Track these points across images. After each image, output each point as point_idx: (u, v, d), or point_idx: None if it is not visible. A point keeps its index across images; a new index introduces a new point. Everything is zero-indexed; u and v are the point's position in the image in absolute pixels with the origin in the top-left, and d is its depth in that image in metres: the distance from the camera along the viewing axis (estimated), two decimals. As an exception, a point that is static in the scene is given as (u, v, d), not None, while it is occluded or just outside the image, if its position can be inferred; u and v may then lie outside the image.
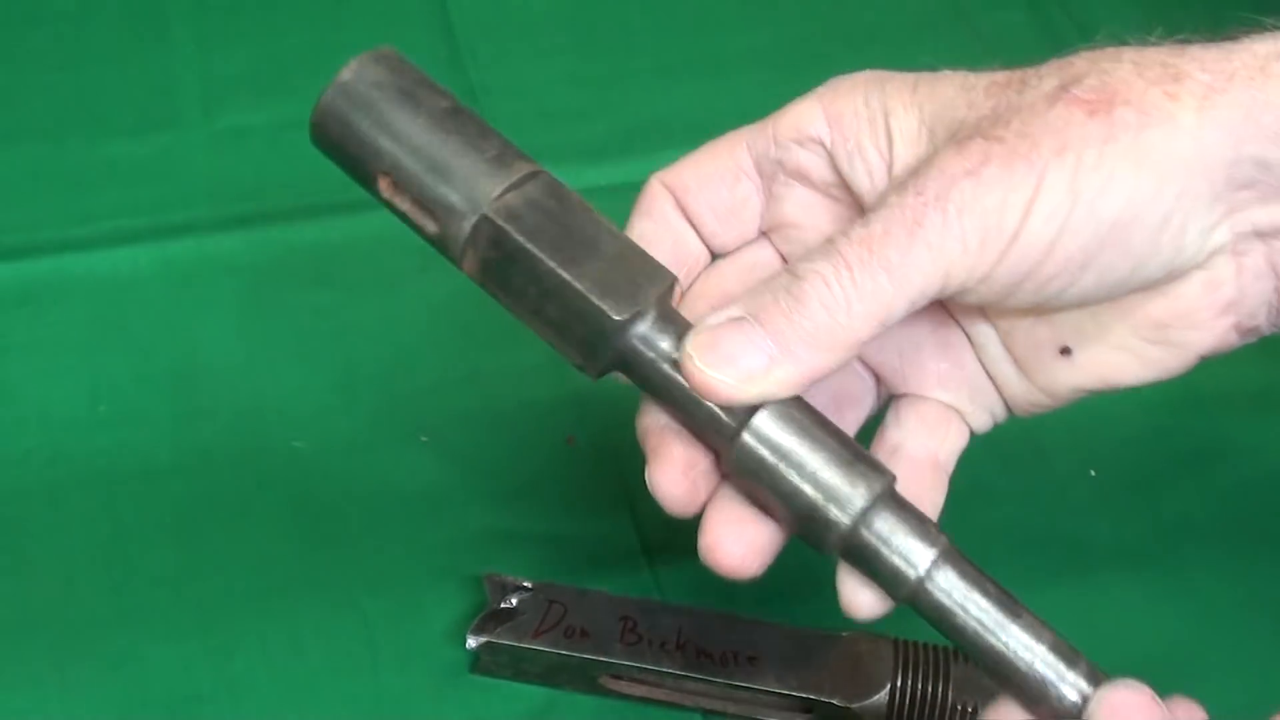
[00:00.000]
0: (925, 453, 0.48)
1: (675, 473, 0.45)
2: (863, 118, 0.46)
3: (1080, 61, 0.47)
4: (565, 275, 0.44)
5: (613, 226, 0.45)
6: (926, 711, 0.51)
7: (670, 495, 0.45)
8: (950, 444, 0.49)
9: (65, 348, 0.62)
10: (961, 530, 0.59)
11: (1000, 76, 0.46)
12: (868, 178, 0.46)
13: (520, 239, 0.44)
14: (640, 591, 0.56)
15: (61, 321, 0.63)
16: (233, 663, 0.53)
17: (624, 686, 0.53)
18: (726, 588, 0.57)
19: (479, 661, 0.53)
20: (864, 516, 0.42)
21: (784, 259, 0.50)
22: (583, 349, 0.45)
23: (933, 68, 0.59)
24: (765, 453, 0.42)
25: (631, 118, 0.74)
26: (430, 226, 0.46)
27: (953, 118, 0.44)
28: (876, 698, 0.51)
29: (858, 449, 0.43)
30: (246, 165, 0.70)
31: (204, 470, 0.59)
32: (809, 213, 0.49)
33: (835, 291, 0.42)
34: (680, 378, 0.43)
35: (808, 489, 0.42)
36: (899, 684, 0.51)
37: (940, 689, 0.51)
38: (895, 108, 0.46)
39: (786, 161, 0.48)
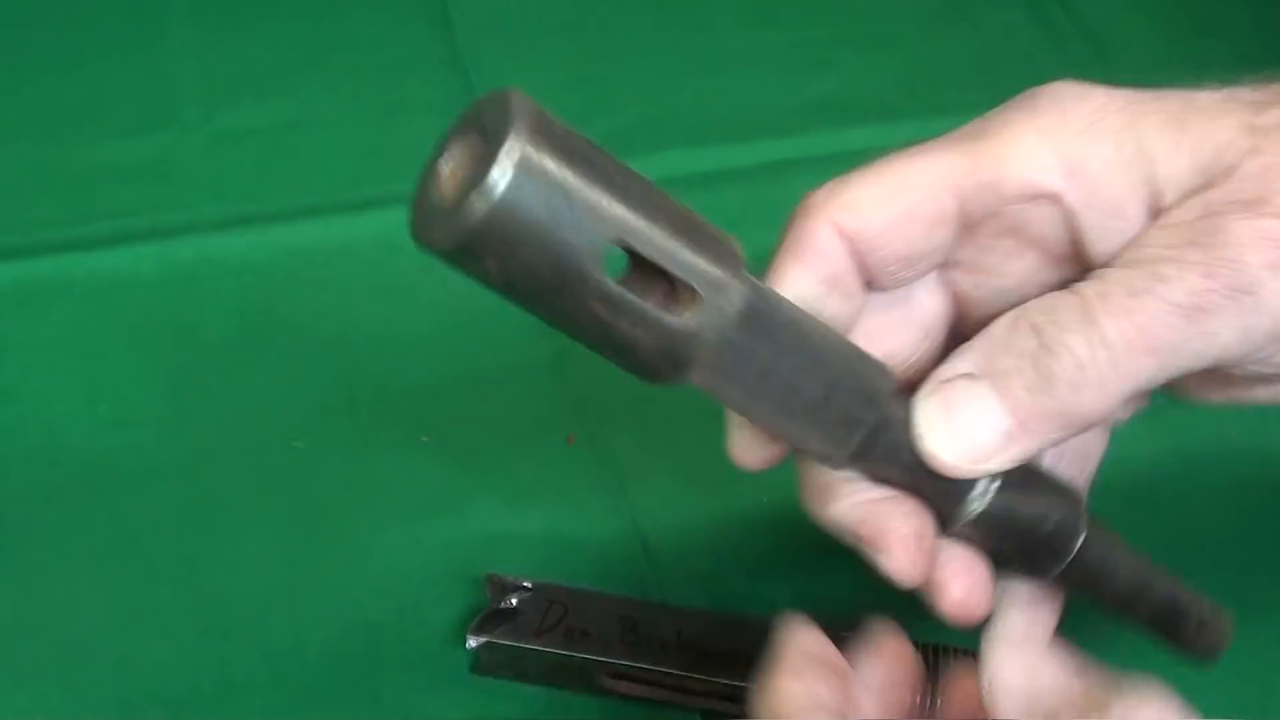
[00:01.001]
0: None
1: (913, 553, 0.41)
2: (1117, 170, 0.39)
3: None
4: (837, 338, 0.38)
5: None
6: (926, 712, 0.51)
7: (911, 576, 0.41)
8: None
9: (65, 348, 0.62)
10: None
11: None
12: (1116, 240, 0.39)
13: (789, 306, 0.37)
14: (640, 592, 0.56)
15: (61, 321, 0.63)
16: (233, 663, 0.53)
17: (624, 686, 0.53)
18: (726, 588, 0.57)
19: (479, 661, 0.53)
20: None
21: (954, 298, 0.43)
22: (842, 425, 0.39)
23: (932, 68, 0.60)
24: (997, 512, 0.41)
25: (631, 118, 0.74)
26: (673, 314, 0.37)
27: (1230, 164, 0.38)
28: None
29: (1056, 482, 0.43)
30: (246, 165, 0.70)
31: (204, 470, 0.59)
32: (1011, 265, 0.42)
33: (1090, 374, 0.37)
34: (910, 443, 0.39)
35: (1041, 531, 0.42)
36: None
37: (940, 689, 0.51)
38: (1159, 154, 0.39)
39: (1005, 217, 0.40)
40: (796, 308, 0.38)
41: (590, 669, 0.52)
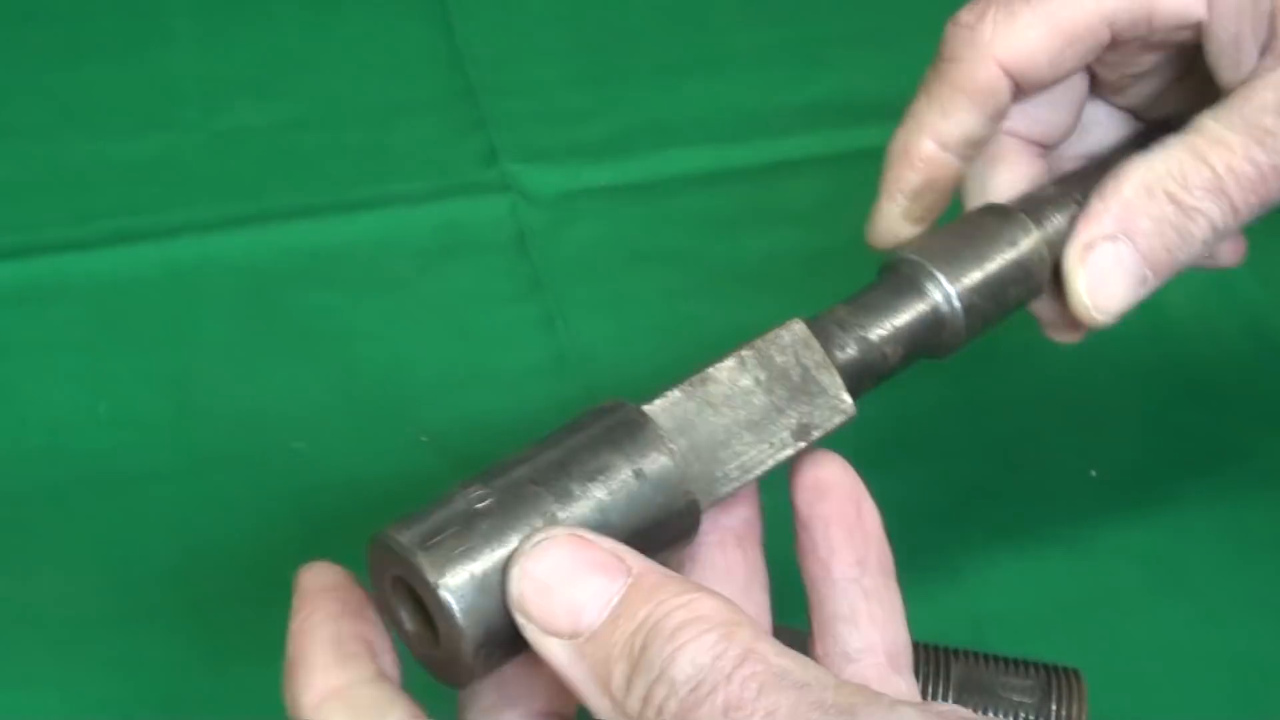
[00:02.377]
0: None
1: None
2: (1245, 8, 0.43)
3: None
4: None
5: None
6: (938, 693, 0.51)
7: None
8: None
9: (65, 348, 0.62)
10: (962, 529, 0.59)
11: None
12: (1238, 70, 0.44)
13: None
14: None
15: (61, 321, 0.63)
16: (233, 663, 0.53)
17: None
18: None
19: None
20: None
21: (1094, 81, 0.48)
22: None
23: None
24: None
25: (631, 118, 0.74)
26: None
27: None
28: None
29: None
30: (246, 165, 0.70)
31: (204, 470, 0.59)
32: (1142, 83, 0.48)
33: (1222, 231, 0.44)
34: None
35: None
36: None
37: (940, 689, 0.51)
38: None
39: (1152, 40, 0.45)
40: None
41: None
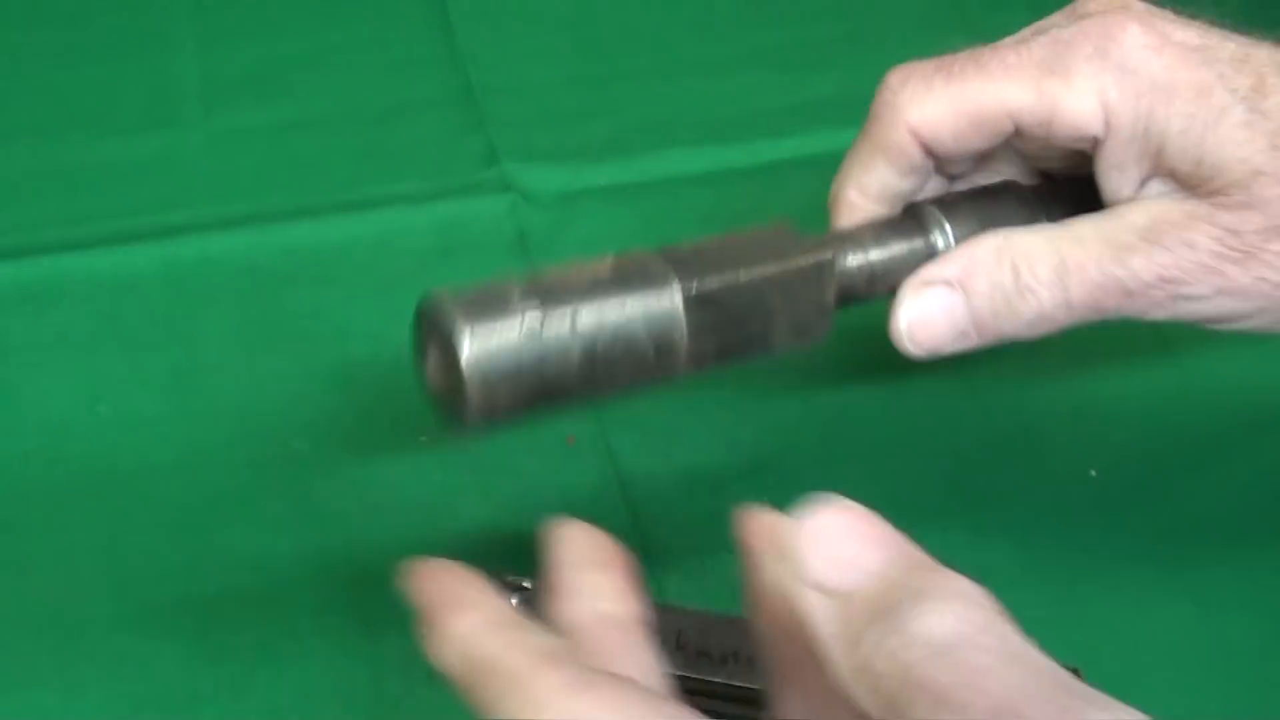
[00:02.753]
0: None
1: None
2: (1135, 142, 0.46)
3: None
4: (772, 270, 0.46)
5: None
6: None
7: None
8: None
9: (65, 348, 0.62)
10: (961, 529, 0.59)
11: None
12: (1119, 188, 0.48)
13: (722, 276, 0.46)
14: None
15: (61, 321, 0.63)
16: (233, 663, 0.53)
17: None
18: (726, 588, 0.57)
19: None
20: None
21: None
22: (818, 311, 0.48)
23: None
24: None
25: (631, 118, 0.74)
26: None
27: (1230, 183, 0.45)
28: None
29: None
30: (246, 165, 0.70)
31: (204, 470, 0.59)
32: (1055, 160, 0.51)
33: (1048, 319, 0.48)
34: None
35: None
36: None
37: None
38: (1172, 150, 0.46)
39: (1052, 142, 0.49)
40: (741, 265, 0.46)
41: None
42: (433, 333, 0.44)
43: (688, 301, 0.45)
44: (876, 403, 0.64)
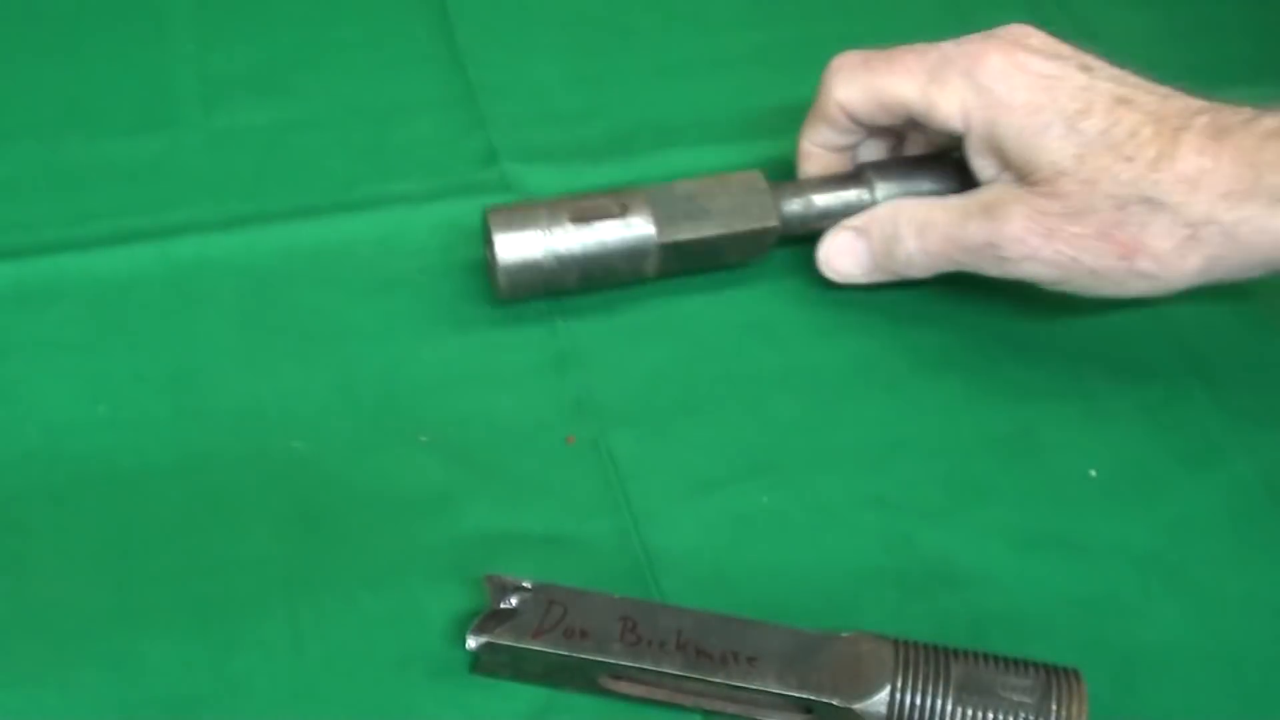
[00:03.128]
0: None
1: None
2: (984, 140, 0.61)
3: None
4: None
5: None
6: (927, 713, 0.51)
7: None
8: None
9: (65, 348, 0.62)
10: (961, 530, 0.59)
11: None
12: (979, 173, 0.63)
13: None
14: (640, 592, 0.56)
15: (61, 321, 0.63)
16: (233, 663, 0.53)
17: (624, 687, 0.53)
18: (726, 588, 0.57)
19: (479, 661, 0.53)
20: None
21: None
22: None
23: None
24: None
25: (631, 118, 0.74)
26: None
27: (1048, 175, 0.59)
28: (877, 698, 0.51)
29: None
30: (246, 165, 0.70)
31: (204, 470, 0.59)
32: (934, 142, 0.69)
33: (915, 262, 0.64)
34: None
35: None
36: (899, 684, 0.51)
37: (940, 690, 0.51)
38: (1009, 145, 0.60)
39: (934, 132, 0.64)
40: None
41: (590, 669, 0.52)
42: (486, 235, 0.63)
43: (662, 246, 0.64)
44: (876, 403, 0.64)
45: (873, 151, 0.69)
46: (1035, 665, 0.52)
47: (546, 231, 0.62)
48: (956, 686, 0.51)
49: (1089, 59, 0.61)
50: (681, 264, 0.65)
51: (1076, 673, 0.52)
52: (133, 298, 0.64)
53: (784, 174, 0.69)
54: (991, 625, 0.56)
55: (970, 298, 0.68)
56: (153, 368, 0.62)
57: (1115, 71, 0.61)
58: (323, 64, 0.75)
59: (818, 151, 0.67)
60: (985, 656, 0.52)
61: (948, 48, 0.63)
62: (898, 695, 0.51)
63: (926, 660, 0.52)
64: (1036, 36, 0.62)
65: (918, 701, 0.51)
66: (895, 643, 0.52)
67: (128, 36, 0.75)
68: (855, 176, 0.67)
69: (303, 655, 0.54)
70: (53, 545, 0.56)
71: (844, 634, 0.53)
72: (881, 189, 0.66)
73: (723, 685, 0.52)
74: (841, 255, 0.66)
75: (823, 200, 0.67)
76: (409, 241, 0.68)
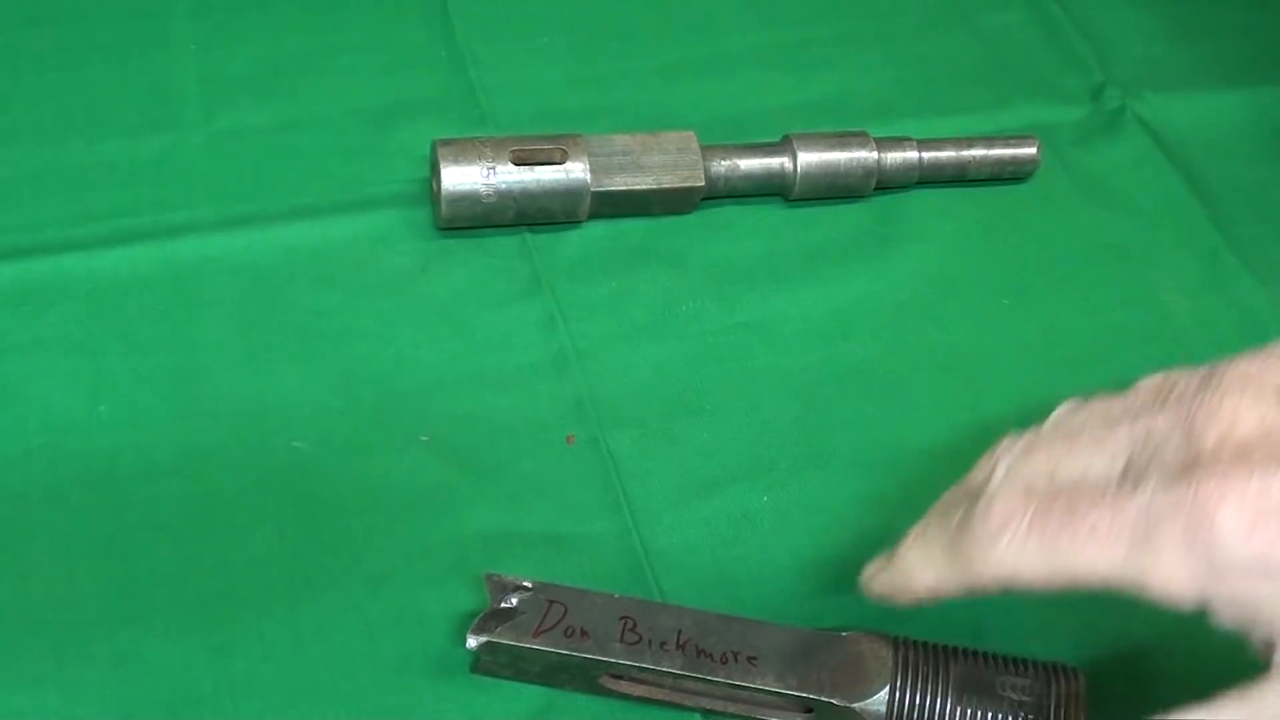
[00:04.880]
0: None
1: None
2: (1237, 615, 0.43)
3: None
4: None
5: None
6: (926, 712, 0.51)
7: None
8: None
9: (65, 348, 0.62)
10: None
11: None
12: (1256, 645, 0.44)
13: None
14: (640, 591, 0.56)
15: (61, 321, 0.63)
16: (233, 663, 0.53)
17: (624, 686, 0.53)
18: (726, 588, 0.57)
19: (479, 661, 0.53)
20: None
21: None
22: None
23: (931, 68, 0.59)
24: None
25: (631, 118, 0.74)
26: None
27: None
28: (876, 697, 0.51)
29: None
30: (246, 165, 0.70)
31: (204, 470, 0.59)
32: None
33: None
34: None
35: None
36: (899, 683, 0.51)
37: (940, 689, 0.51)
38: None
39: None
40: None
41: (590, 669, 0.52)
42: (434, 166, 0.66)
43: (594, 194, 0.67)
44: (875, 404, 0.64)
45: None
46: (1035, 664, 0.52)
47: (489, 168, 0.65)
48: (956, 685, 0.51)
49: None
50: (612, 210, 0.69)
51: (1076, 672, 0.52)
52: (133, 298, 0.64)
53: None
54: (991, 625, 0.56)
55: (971, 297, 0.69)
56: (153, 368, 0.62)
57: None
58: (323, 64, 0.75)
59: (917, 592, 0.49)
60: (985, 655, 0.52)
61: (1153, 492, 0.43)
62: (897, 694, 0.51)
63: (926, 659, 0.52)
64: (1248, 416, 0.43)
65: (917, 700, 0.51)
66: (895, 641, 0.52)
67: (129, 37, 0.75)
68: (780, 146, 0.70)
69: (303, 655, 0.54)
70: (53, 545, 0.56)
71: (844, 633, 0.53)
72: (803, 158, 0.70)
73: (723, 684, 0.52)
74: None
75: (747, 164, 0.70)
76: (409, 241, 0.68)
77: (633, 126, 0.70)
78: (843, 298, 0.68)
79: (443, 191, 0.66)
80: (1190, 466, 0.42)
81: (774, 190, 0.71)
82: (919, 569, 0.48)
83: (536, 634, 0.52)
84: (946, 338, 0.67)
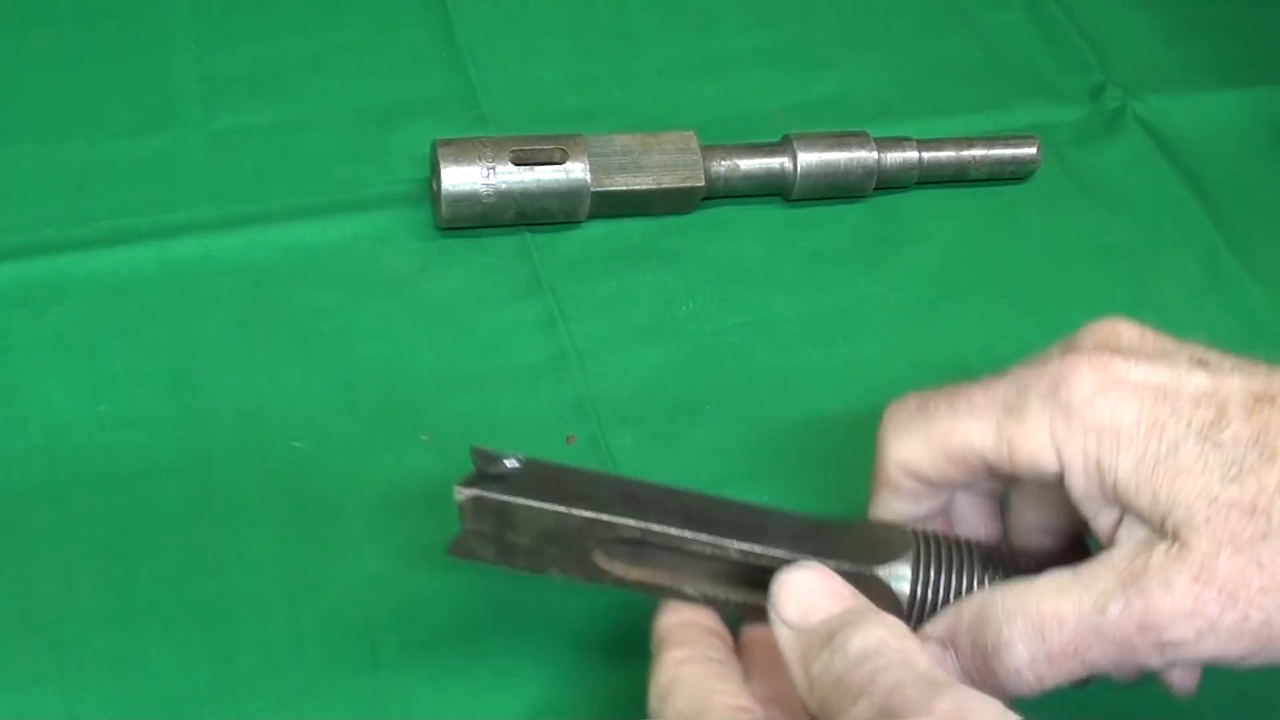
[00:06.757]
0: None
1: None
2: (1090, 479, 0.46)
3: None
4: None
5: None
6: (953, 578, 0.49)
7: None
8: None
9: (65, 348, 0.62)
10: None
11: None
12: (1098, 524, 0.47)
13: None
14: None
15: (61, 321, 0.63)
16: (233, 663, 0.53)
17: (619, 569, 0.48)
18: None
19: (459, 539, 0.47)
20: None
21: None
22: None
23: (931, 68, 0.58)
24: None
25: (631, 118, 0.74)
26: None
27: (1183, 534, 0.44)
28: (900, 561, 0.48)
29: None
30: (246, 165, 0.70)
31: (204, 470, 0.59)
32: (1030, 503, 0.52)
33: (1027, 677, 0.46)
34: None
35: None
36: (922, 554, 0.49)
37: (967, 561, 0.49)
38: (1123, 481, 0.45)
39: (1023, 479, 0.49)
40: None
41: (586, 537, 0.47)
42: (434, 166, 0.66)
43: (594, 194, 0.67)
44: (875, 404, 0.64)
45: (973, 514, 0.53)
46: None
47: (489, 168, 0.65)
48: (982, 559, 0.49)
49: (1199, 350, 0.48)
50: (612, 210, 0.68)
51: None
52: (133, 298, 0.64)
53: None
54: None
55: (971, 297, 0.69)
56: (153, 368, 0.62)
57: (1234, 360, 0.47)
58: (323, 64, 0.75)
59: (896, 518, 0.52)
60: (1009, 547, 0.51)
61: (1020, 373, 0.48)
62: (921, 563, 0.49)
63: (948, 540, 0.50)
64: (1126, 330, 0.49)
65: (943, 570, 0.49)
66: (913, 529, 0.50)
67: (129, 37, 0.75)
68: (780, 146, 0.70)
69: (303, 655, 0.54)
70: (53, 545, 0.56)
71: (857, 522, 0.51)
72: (803, 158, 0.69)
73: (734, 552, 0.47)
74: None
75: (747, 164, 0.69)
76: (409, 241, 0.68)
77: (633, 126, 0.70)
78: (843, 298, 0.68)
79: (443, 191, 0.65)
80: (1048, 358, 0.48)
81: (774, 190, 0.71)
82: (871, 503, 0.52)
83: (530, 494, 0.47)
84: (946, 338, 0.67)
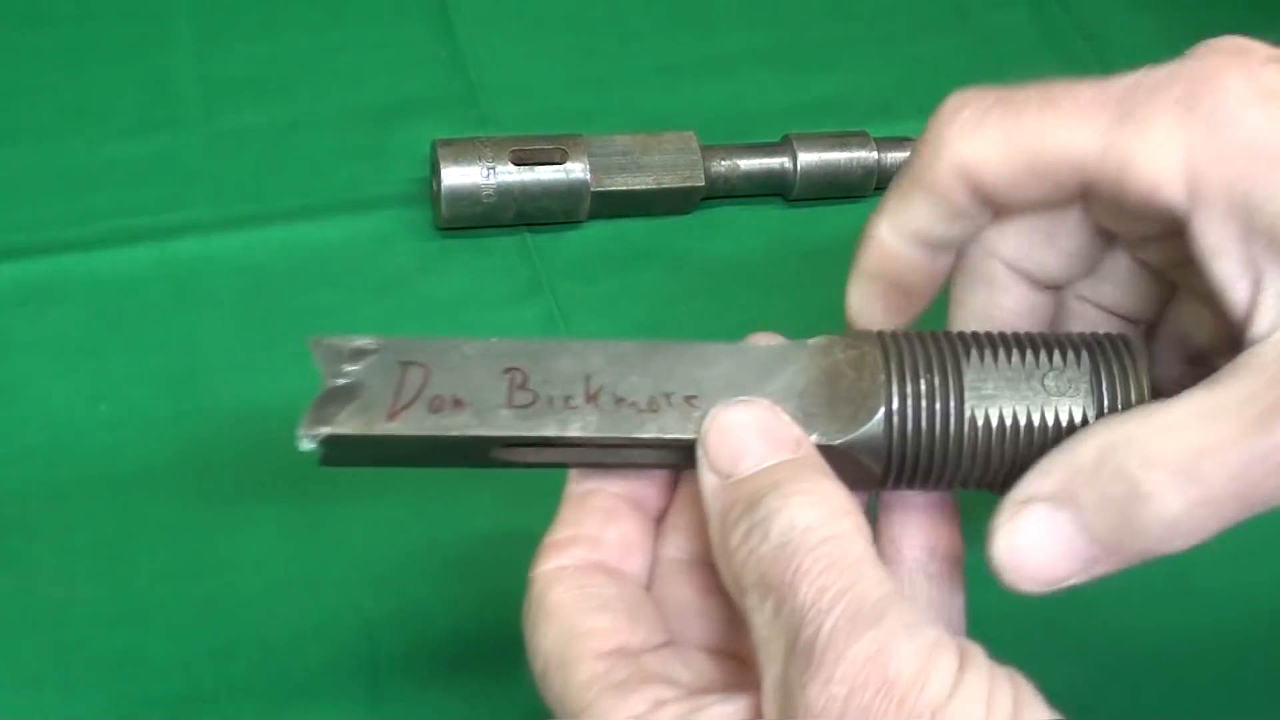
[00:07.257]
0: None
1: None
2: (1233, 218, 0.36)
3: None
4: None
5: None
6: (940, 429, 0.39)
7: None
8: None
9: (65, 348, 0.62)
10: (963, 528, 0.59)
11: None
12: (1229, 299, 0.37)
13: None
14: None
15: (61, 321, 0.63)
16: (233, 663, 0.53)
17: (522, 454, 0.41)
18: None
19: (325, 457, 0.41)
20: None
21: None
22: None
23: (932, 68, 0.58)
24: None
25: (631, 118, 0.74)
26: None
27: None
28: (869, 425, 0.39)
29: None
30: (246, 165, 0.70)
31: (204, 470, 0.59)
32: (1165, 246, 0.40)
33: (1184, 527, 0.36)
34: None
35: None
36: (896, 396, 0.39)
37: (955, 395, 0.39)
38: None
39: (1129, 221, 0.39)
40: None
41: (471, 448, 0.40)
42: (434, 166, 0.66)
43: (594, 194, 0.67)
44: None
45: (1013, 292, 0.43)
46: (1073, 341, 0.40)
47: (489, 168, 0.65)
48: (971, 387, 0.40)
49: None
50: (612, 210, 0.69)
51: (1128, 341, 0.40)
52: (133, 298, 0.64)
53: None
54: (991, 625, 0.56)
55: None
56: (153, 368, 0.62)
57: None
58: (323, 65, 0.75)
59: (894, 242, 0.42)
60: (1006, 341, 0.40)
61: (1144, 74, 0.38)
62: (895, 413, 0.39)
63: (929, 359, 0.40)
64: (1262, 47, 0.40)
65: (924, 417, 0.39)
66: (881, 340, 0.41)
67: (129, 37, 0.75)
68: (780, 146, 0.70)
69: (303, 655, 0.54)
70: (53, 544, 0.56)
71: (810, 340, 0.42)
72: (803, 158, 0.70)
73: (655, 442, 0.40)
74: (1039, 551, 0.38)
75: (747, 164, 0.70)
76: (409, 241, 0.68)
77: (633, 126, 0.70)
78: (843, 298, 0.68)
79: (443, 191, 0.66)
80: (1183, 61, 0.38)
81: (774, 190, 0.71)
82: (882, 210, 0.42)
83: (392, 415, 0.40)
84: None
